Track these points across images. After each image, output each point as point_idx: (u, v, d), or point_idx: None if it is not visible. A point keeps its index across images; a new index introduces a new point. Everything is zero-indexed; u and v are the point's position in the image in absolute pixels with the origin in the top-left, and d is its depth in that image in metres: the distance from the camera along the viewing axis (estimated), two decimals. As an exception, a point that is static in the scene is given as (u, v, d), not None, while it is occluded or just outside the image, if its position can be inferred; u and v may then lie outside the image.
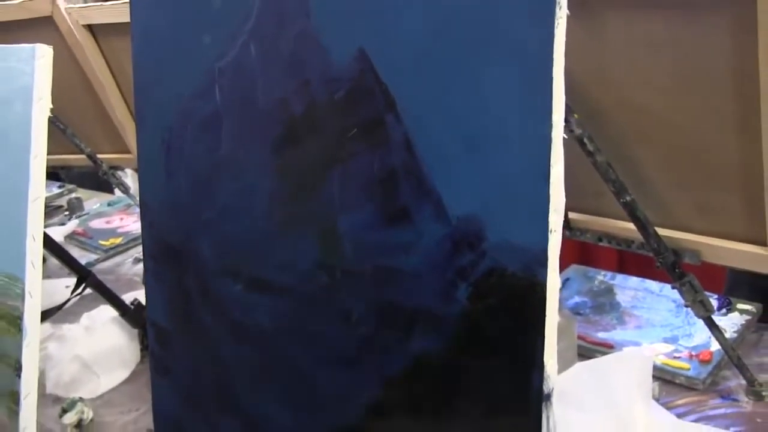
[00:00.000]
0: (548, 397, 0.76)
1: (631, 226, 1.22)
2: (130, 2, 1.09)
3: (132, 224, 2.33)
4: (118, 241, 2.23)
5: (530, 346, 0.76)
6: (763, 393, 1.28)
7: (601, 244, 1.34)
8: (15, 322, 0.98)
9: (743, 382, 1.30)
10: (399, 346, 0.87)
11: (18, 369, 0.97)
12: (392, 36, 0.83)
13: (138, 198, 2.10)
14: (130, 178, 2.51)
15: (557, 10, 0.71)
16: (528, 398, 0.76)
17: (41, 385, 1.14)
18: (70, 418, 1.41)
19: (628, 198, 1.17)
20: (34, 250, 0.99)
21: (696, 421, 1.25)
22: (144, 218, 1.16)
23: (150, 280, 1.15)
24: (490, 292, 0.79)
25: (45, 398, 0.99)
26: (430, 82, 0.81)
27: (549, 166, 0.73)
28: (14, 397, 0.98)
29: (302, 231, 0.93)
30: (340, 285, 0.91)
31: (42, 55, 0.96)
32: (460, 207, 0.80)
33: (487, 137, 0.78)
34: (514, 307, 0.77)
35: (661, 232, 1.22)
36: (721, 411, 1.27)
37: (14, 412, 0.97)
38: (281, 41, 0.91)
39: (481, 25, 0.77)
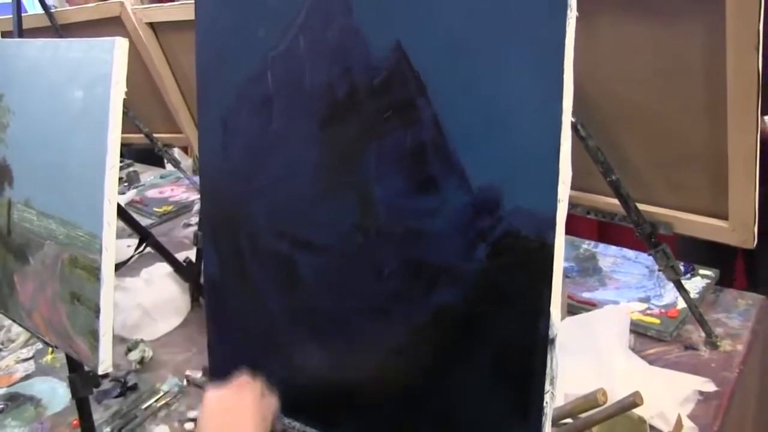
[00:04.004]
0: (552, 341, 0.76)
1: (615, 201, 1.22)
2: (196, 0, 1.08)
3: (181, 194, 2.33)
4: (170, 208, 2.22)
5: (539, 297, 0.75)
6: (718, 343, 1.29)
7: (589, 216, 1.33)
8: (94, 272, 0.99)
9: (702, 334, 1.31)
10: (424, 298, 0.87)
11: (97, 311, 0.98)
12: (424, 29, 0.82)
13: (186, 172, 2.12)
14: (177, 155, 2.50)
15: (569, 11, 0.71)
16: (536, 342, 0.76)
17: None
18: (135, 355, 1.42)
19: (613, 177, 1.17)
20: (110, 211, 0.99)
21: (663, 366, 1.25)
22: (203, 186, 1.15)
23: (206, 240, 1.15)
24: (506, 252, 0.79)
25: (113, 339, 1.00)
26: (457, 70, 0.80)
27: (559, 143, 0.72)
28: (94, 335, 0.98)
29: (342, 197, 0.93)
30: (373, 244, 0.91)
31: (120, 46, 0.95)
32: (481, 178, 0.80)
33: (506, 118, 0.77)
34: (526, 265, 0.77)
35: (640, 207, 1.22)
36: (684, 359, 1.28)
37: (94, 347, 0.98)
38: (327, 33, 0.90)
39: (503, 22, 0.76)
